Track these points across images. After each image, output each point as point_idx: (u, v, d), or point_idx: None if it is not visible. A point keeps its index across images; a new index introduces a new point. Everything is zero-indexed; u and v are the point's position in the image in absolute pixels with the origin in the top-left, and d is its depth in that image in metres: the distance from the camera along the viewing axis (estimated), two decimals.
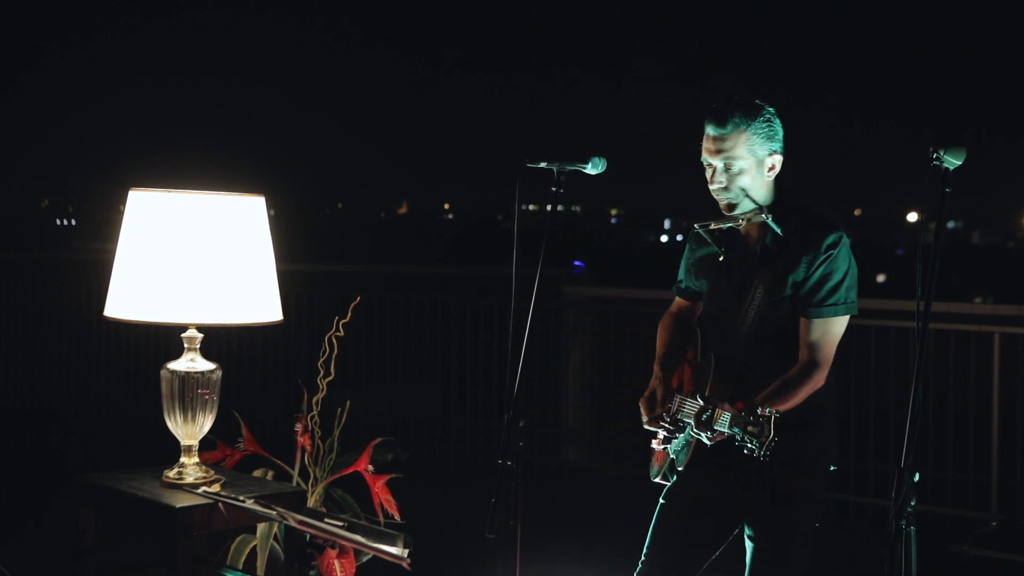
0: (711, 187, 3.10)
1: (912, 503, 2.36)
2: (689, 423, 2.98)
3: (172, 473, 3.31)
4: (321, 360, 4.08)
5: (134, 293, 3.23)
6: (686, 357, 3.27)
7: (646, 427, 3.17)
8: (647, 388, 3.19)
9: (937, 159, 2.47)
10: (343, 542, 3.10)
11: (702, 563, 3.15)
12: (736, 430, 2.77)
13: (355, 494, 4.04)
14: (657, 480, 3.25)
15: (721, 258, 3.18)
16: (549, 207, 3.00)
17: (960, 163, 2.47)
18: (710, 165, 3.09)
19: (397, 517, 3.87)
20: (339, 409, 4.10)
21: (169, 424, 3.32)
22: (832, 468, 3.14)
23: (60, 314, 9.01)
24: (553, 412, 7.68)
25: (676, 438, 3.14)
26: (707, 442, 2.92)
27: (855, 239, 3.16)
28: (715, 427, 2.84)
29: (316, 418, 4.04)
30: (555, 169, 2.97)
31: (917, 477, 2.38)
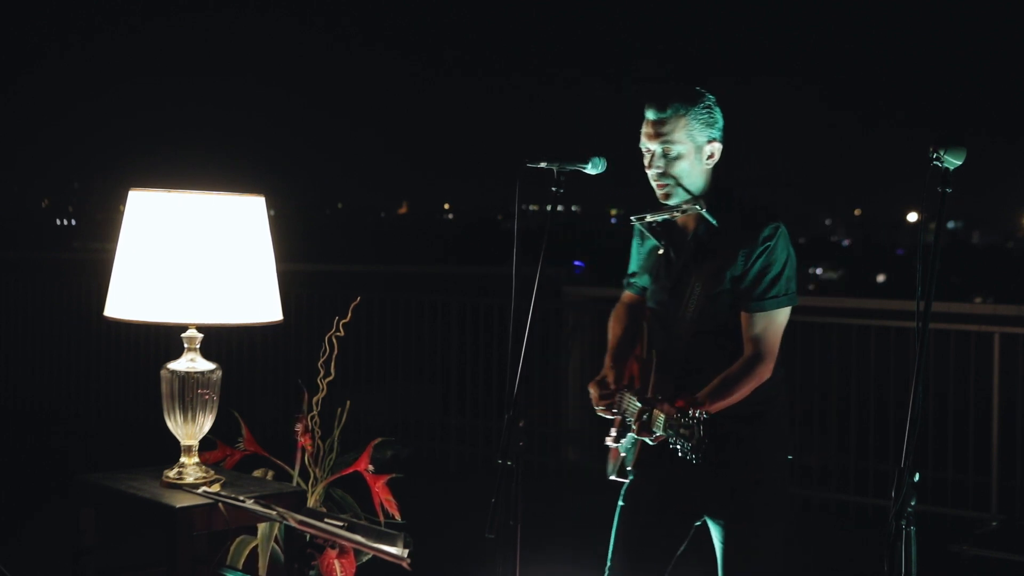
0: (649, 172, 3.08)
1: (912, 503, 2.36)
2: (632, 425, 2.97)
3: (172, 473, 3.31)
4: (321, 360, 4.08)
5: (134, 293, 3.23)
6: (635, 354, 3.26)
7: (595, 407, 3.17)
8: (598, 374, 3.19)
9: (937, 159, 2.47)
10: (343, 542, 3.10)
11: (669, 560, 3.14)
12: (670, 432, 2.78)
13: (355, 494, 4.04)
14: (613, 478, 3.22)
15: (660, 251, 3.17)
16: (549, 207, 3.00)
17: (960, 163, 2.47)
18: (648, 150, 3.07)
19: (397, 517, 3.87)
20: (339, 409, 4.10)
21: (169, 424, 3.31)
22: (789, 458, 3.13)
23: (60, 314, 9.01)
24: (553, 412, 7.68)
25: (626, 436, 3.13)
26: (650, 443, 2.92)
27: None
28: (653, 429, 2.84)
29: (316, 418, 4.04)
30: (555, 169, 2.97)
31: (917, 477, 2.38)
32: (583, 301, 8.17)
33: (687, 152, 3.04)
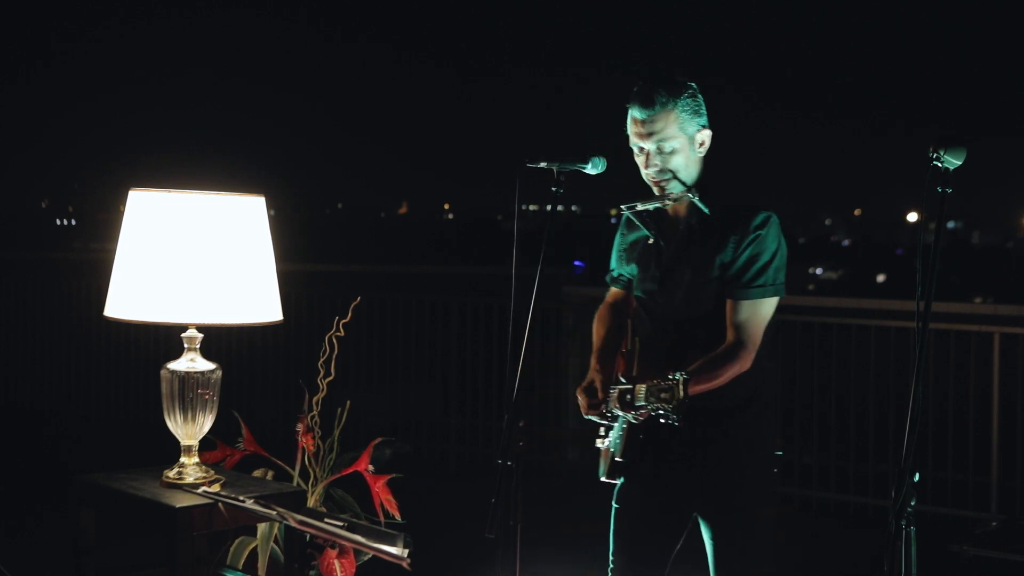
0: (647, 171, 3.06)
1: (912, 503, 2.36)
2: (617, 410, 2.94)
3: (172, 473, 3.31)
4: (321, 360, 4.08)
5: (134, 293, 3.23)
6: (621, 349, 3.24)
7: (585, 416, 3.14)
8: (585, 380, 3.16)
9: (937, 159, 2.47)
10: (343, 542, 3.10)
11: (668, 557, 3.15)
12: (651, 399, 2.74)
13: (355, 494, 4.04)
14: (604, 479, 3.20)
15: (651, 241, 3.16)
16: (549, 207, 3.00)
17: (960, 163, 2.47)
18: (643, 150, 3.05)
19: (397, 517, 3.87)
20: (339, 409, 4.10)
21: (169, 424, 3.31)
22: (778, 453, 3.11)
23: (60, 314, 9.01)
24: (553, 412, 7.69)
25: (612, 429, 3.12)
26: (634, 422, 2.91)
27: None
28: (636, 403, 2.82)
29: (316, 418, 4.04)
30: (555, 169, 2.96)
31: (917, 477, 2.38)
32: (583, 301, 8.16)
33: (681, 146, 3.03)
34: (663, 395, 2.71)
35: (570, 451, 7.64)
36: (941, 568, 5.28)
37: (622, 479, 3.18)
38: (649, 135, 3.02)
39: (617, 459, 3.08)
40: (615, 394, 2.98)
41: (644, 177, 3.10)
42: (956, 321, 6.34)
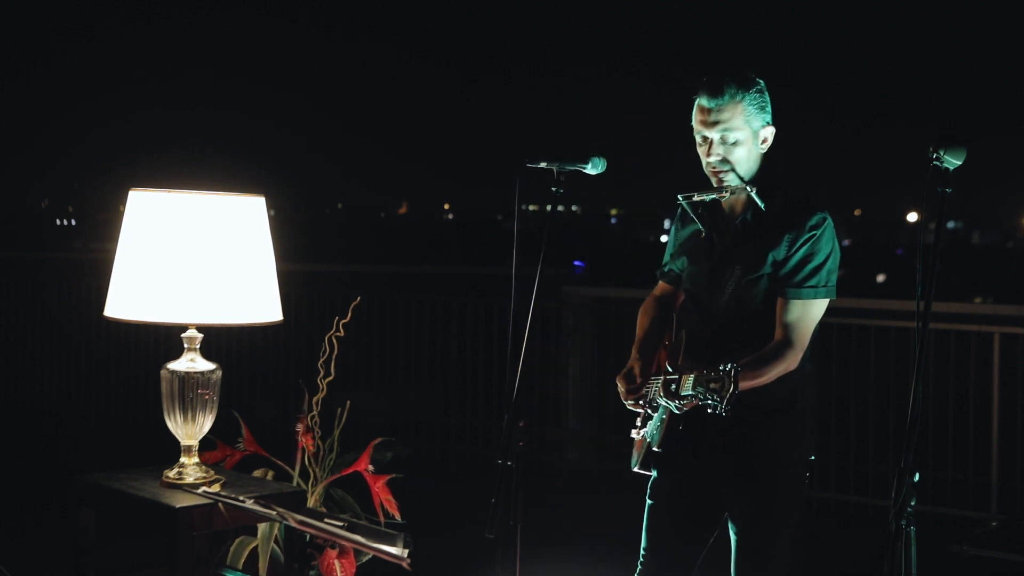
0: (708, 160, 3.04)
1: (912, 503, 2.36)
2: (661, 399, 2.92)
3: (172, 473, 3.31)
4: (321, 360, 4.08)
5: (134, 293, 3.23)
6: (664, 342, 3.24)
7: (624, 401, 3.14)
8: (624, 367, 3.16)
9: (937, 159, 2.47)
10: (343, 542, 3.10)
11: (698, 557, 3.15)
12: (699, 389, 2.71)
13: (355, 494, 4.04)
14: (636, 469, 3.19)
15: (703, 235, 3.14)
16: (549, 207, 2.99)
17: (960, 163, 2.47)
18: (706, 139, 3.04)
19: (397, 517, 3.87)
20: (339, 409, 4.10)
21: (169, 424, 3.32)
22: (811, 458, 3.11)
23: (60, 314, 9.01)
24: (553, 412, 7.69)
25: (651, 419, 3.11)
26: (676, 411, 2.89)
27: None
28: (682, 393, 2.79)
29: (316, 418, 4.04)
30: (555, 169, 2.96)
31: (917, 477, 2.38)
32: (583, 301, 8.17)
33: (745, 138, 3.01)
34: (712, 384, 2.68)
35: (570, 451, 7.64)
36: (941, 568, 5.28)
37: (656, 472, 3.16)
38: (715, 124, 3.01)
39: (655, 449, 3.06)
40: (659, 383, 2.94)
41: (704, 168, 3.08)
42: (956, 321, 6.34)
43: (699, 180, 3.15)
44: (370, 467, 3.94)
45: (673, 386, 2.83)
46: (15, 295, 9.29)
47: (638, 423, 3.18)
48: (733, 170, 3.03)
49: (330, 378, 4.07)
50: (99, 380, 8.87)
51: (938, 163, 2.47)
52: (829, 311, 3.11)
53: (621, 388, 3.12)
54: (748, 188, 3.03)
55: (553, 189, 2.96)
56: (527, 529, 2.80)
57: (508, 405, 2.81)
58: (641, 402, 3.10)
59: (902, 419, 2.43)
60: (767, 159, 3.08)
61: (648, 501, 3.19)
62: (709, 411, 2.71)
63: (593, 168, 3.02)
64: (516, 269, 2.90)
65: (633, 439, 3.22)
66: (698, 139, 3.07)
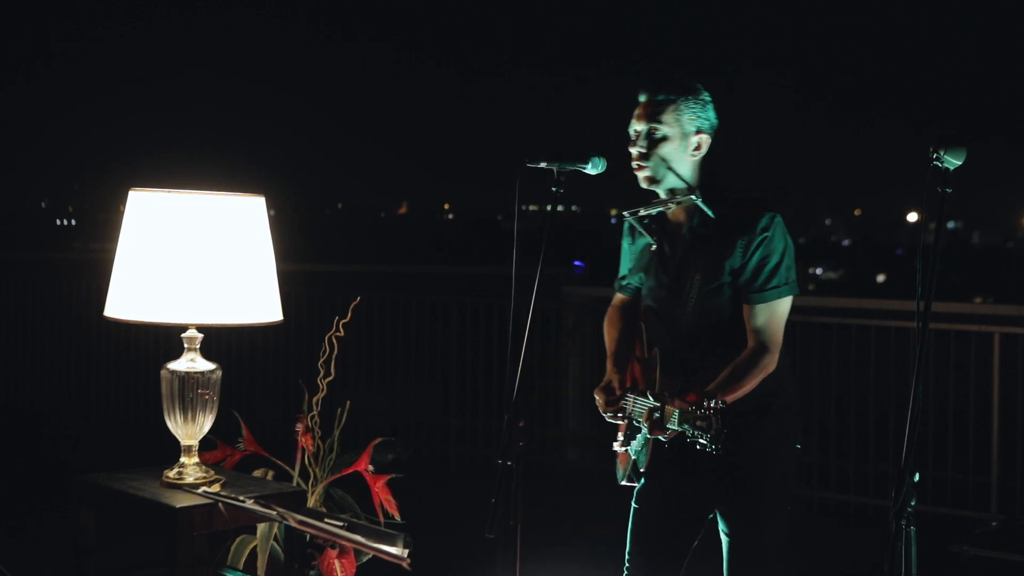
0: (631, 151, 3.07)
1: (912, 503, 2.36)
2: (643, 425, 2.94)
3: (172, 473, 3.31)
4: (321, 360, 4.08)
5: (134, 293, 3.23)
6: (634, 353, 3.25)
7: (603, 415, 3.16)
8: (602, 380, 3.18)
9: (937, 159, 2.47)
10: (343, 542, 3.10)
11: (684, 560, 3.16)
12: (686, 426, 2.73)
13: (355, 494, 4.04)
14: (624, 483, 3.21)
15: (654, 248, 3.16)
16: (549, 207, 3.00)
17: (960, 163, 2.47)
18: (635, 131, 3.07)
19: (397, 517, 3.87)
20: (339, 409, 4.10)
21: (169, 424, 3.31)
22: (798, 446, 3.11)
23: (60, 314, 9.01)
24: (553, 412, 7.68)
25: (635, 439, 3.12)
26: (663, 440, 2.90)
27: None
28: (667, 426, 2.82)
29: (316, 418, 4.04)
30: (555, 169, 2.96)
31: (917, 477, 2.38)
32: (583, 301, 8.16)
33: (673, 136, 3.03)
34: (699, 423, 2.70)
35: (570, 451, 7.64)
36: (941, 568, 5.28)
37: (643, 480, 3.18)
38: (644, 116, 3.05)
39: (641, 470, 3.10)
40: (643, 411, 2.97)
41: (633, 168, 3.10)
42: (956, 321, 6.34)
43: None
44: (370, 467, 3.94)
45: (656, 414, 2.84)
46: (15, 295, 9.29)
47: (620, 436, 3.18)
48: (670, 169, 3.04)
49: (330, 378, 4.07)
50: (99, 380, 8.87)
51: (938, 163, 2.47)
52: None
53: (600, 400, 3.14)
54: (693, 195, 3.04)
55: (553, 189, 2.96)
56: (527, 529, 2.80)
57: (508, 405, 2.81)
58: (620, 415, 3.10)
59: (902, 419, 2.43)
60: (704, 168, 3.09)
61: (634, 506, 3.20)
62: (697, 448, 2.72)
63: (593, 168, 3.02)
64: (516, 269, 2.90)
65: (616, 452, 3.23)
66: (630, 135, 3.09)
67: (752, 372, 2.96)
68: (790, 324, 3.13)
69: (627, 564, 3.19)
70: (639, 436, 3.09)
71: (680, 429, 2.77)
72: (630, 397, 3.10)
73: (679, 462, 3.05)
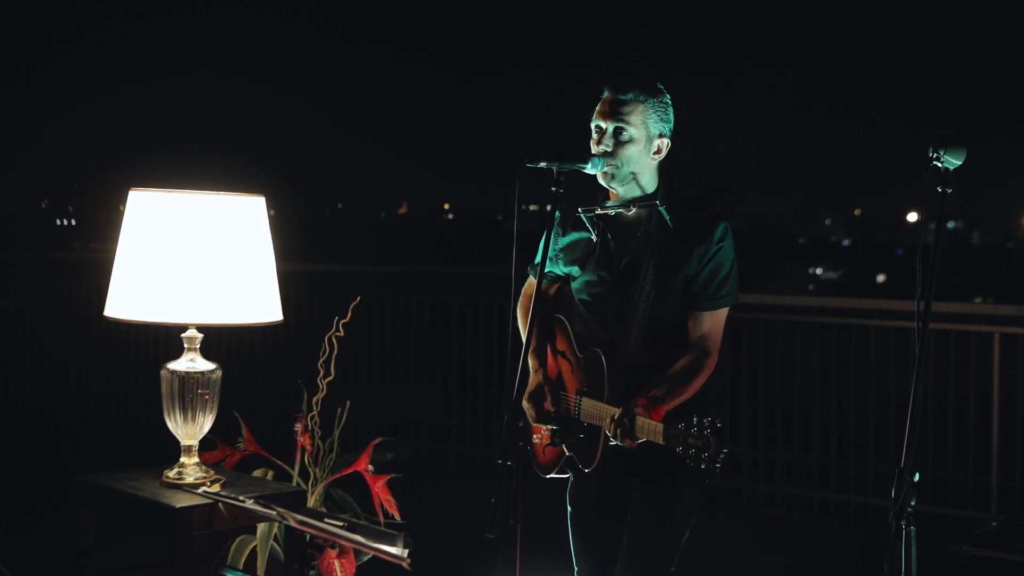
0: (594, 149, 3.04)
1: (912, 503, 2.36)
2: (607, 430, 2.88)
3: (172, 473, 3.31)
4: (321, 360, 4.08)
5: (134, 293, 3.23)
6: (557, 348, 3.21)
7: (535, 424, 3.14)
8: (529, 383, 3.14)
9: (937, 159, 2.47)
10: (343, 542, 3.10)
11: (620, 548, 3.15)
12: (675, 445, 2.69)
13: (355, 494, 4.04)
14: (554, 475, 3.21)
15: (595, 242, 3.12)
16: (549, 207, 3.00)
17: (960, 163, 2.47)
18: (600, 127, 3.05)
19: (397, 517, 3.88)
20: (339, 409, 4.10)
21: (169, 424, 3.32)
22: (718, 424, 3.10)
23: (60, 314, 9.01)
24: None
25: (577, 438, 3.07)
26: (622, 445, 2.87)
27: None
28: (637, 436, 2.80)
29: (316, 418, 4.04)
30: (555, 169, 2.96)
31: (917, 477, 2.38)
32: None
33: (639, 138, 3.02)
34: (692, 440, 2.66)
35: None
36: (941, 568, 5.28)
37: (572, 477, 3.20)
38: (613, 115, 3.02)
39: (587, 471, 3.07)
40: (592, 411, 2.96)
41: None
42: (956, 321, 6.34)
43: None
44: (370, 467, 3.94)
45: (626, 421, 2.80)
46: (15, 295, 9.29)
47: (544, 430, 3.16)
48: (618, 167, 3.03)
49: (330, 378, 4.07)
50: (99, 380, 8.86)
51: (938, 163, 2.47)
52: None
53: (529, 410, 3.11)
54: (657, 203, 3.04)
55: (553, 189, 2.96)
56: (527, 529, 2.80)
57: (508, 405, 2.81)
58: (551, 422, 3.10)
59: (902, 419, 2.43)
60: (663, 171, 3.09)
61: (568, 508, 3.23)
62: (690, 464, 2.69)
63: (593, 168, 3.02)
64: (516, 269, 2.90)
65: (531, 448, 3.21)
66: (593, 131, 3.08)
67: (697, 376, 2.99)
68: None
69: (576, 566, 3.22)
70: (582, 438, 3.06)
71: (668, 446, 2.72)
72: (574, 398, 3.08)
73: (624, 461, 3.04)
